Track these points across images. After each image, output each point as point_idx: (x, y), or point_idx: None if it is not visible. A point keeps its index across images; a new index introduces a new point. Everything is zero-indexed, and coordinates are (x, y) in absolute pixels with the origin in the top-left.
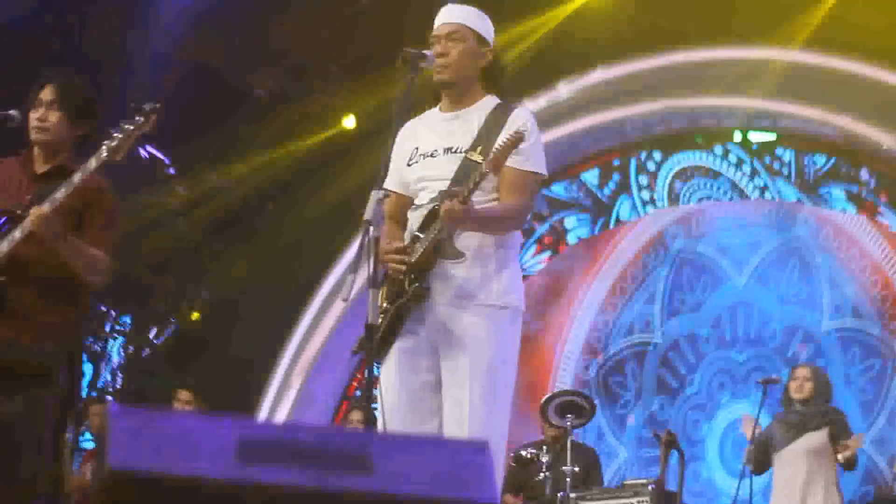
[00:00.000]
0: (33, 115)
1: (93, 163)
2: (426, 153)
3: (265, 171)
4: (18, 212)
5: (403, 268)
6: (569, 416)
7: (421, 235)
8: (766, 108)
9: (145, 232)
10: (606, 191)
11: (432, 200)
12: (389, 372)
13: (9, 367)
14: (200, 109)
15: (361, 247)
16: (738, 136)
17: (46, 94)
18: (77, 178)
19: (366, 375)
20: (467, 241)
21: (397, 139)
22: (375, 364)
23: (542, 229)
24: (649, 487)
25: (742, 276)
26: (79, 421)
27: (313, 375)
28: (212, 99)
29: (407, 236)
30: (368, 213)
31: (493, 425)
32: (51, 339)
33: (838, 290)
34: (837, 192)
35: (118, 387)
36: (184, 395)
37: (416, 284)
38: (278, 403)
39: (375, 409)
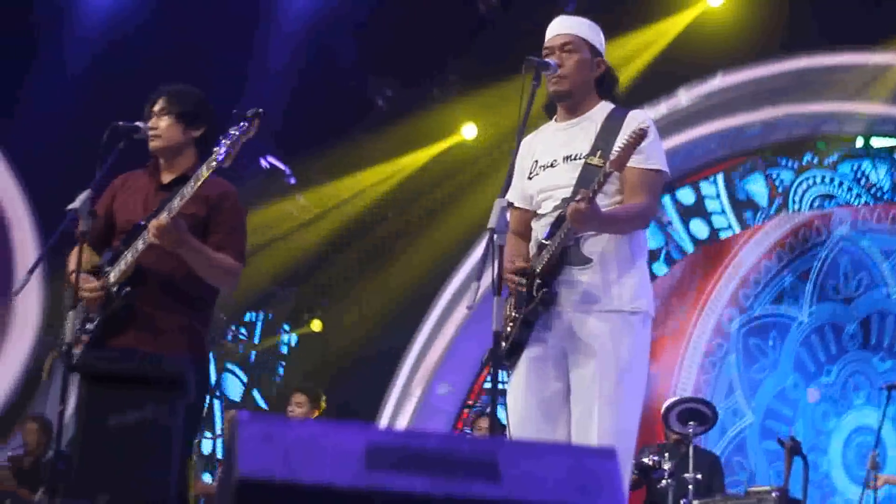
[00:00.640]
0: (147, 123)
1: (204, 170)
2: (546, 164)
3: (386, 180)
4: (143, 222)
5: (523, 290)
6: (691, 423)
7: (547, 243)
8: (889, 112)
9: (267, 242)
10: (729, 196)
11: (556, 208)
12: (518, 379)
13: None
14: (321, 120)
15: (486, 255)
16: (860, 142)
17: (157, 105)
18: (190, 187)
19: (489, 383)
20: (594, 246)
21: (518, 153)
22: (502, 372)
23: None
24: (773, 494)
25: None
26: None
27: (434, 383)
28: (333, 109)
29: (533, 246)
30: (493, 221)
31: (622, 433)
32: (179, 346)
33: None
34: None
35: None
36: (298, 397)
37: (543, 291)
38: (399, 412)
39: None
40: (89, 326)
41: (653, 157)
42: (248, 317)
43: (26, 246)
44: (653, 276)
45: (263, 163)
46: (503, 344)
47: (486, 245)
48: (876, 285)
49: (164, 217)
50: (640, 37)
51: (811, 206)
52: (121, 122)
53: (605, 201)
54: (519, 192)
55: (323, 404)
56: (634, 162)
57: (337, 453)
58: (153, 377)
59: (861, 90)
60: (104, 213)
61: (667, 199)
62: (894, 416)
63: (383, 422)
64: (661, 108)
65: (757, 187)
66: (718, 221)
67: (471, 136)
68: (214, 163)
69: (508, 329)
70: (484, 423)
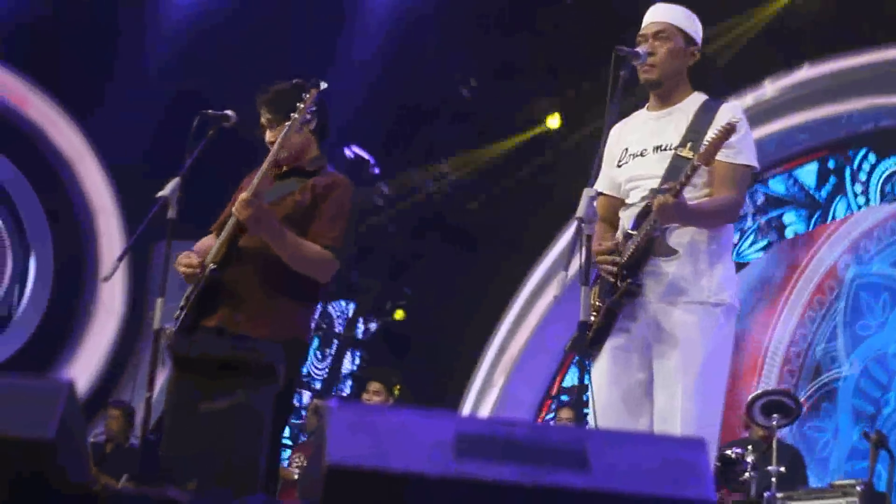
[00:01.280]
0: (267, 138)
1: (276, 147)
2: (635, 153)
3: (470, 170)
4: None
5: (615, 269)
6: (775, 415)
7: (633, 233)
8: None
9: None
10: (821, 189)
11: (644, 199)
12: (601, 370)
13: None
14: (405, 109)
15: (574, 244)
16: None
17: (264, 118)
18: (266, 164)
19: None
20: (680, 237)
21: (607, 141)
22: (587, 362)
23: (759, 222)
24: (858, 488)
25: None
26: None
27: (516, 374)
28: (416, 99)
29: (619, 235)
30: (581, 211)
31: (705, 424)
32: (267, 330)
33: None
34: None
35: (318, 386)
36: (374, 385)
37: (629, 281)
38: (480, 402)
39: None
40: (183, 304)
41: (742, 151)
42: (332, 306)
43: (112, 233)
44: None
45: (348, 152)
46: (588, 333)
47: (574, 234)
48: None
49: (245, 194)
50: (727, 26)
51: None
52: (210, 111)
53: (694, 194)
54: (607, 180)
55: (397, 392)
56: (723, 156)
57: (426, 441)
58: (244, 364)
59: None
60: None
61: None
62: None
63: (465, 412)
64: (748, 99)
65: (848, 180)
66: (811, 213)
67: (555, 126)
68: (281, 138)
69: (592, 318)
70: (566, 413)
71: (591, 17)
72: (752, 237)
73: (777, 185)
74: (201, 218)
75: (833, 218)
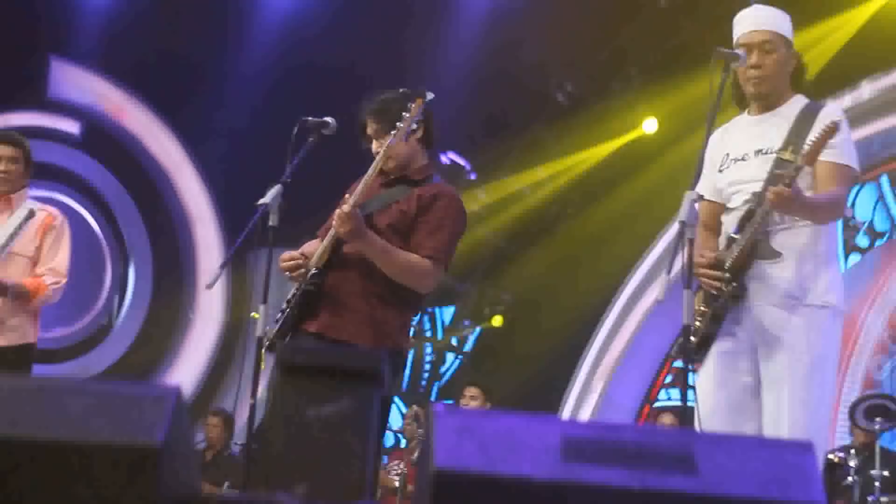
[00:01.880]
0: (373, 148)
1: (379, 157)
2: (737, 157)
3: (565, 175)
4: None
5: (718, 284)
6: (877, 419)
7: (737, 237)
8: None
9: None
10: None
11: (746, 202)
12: (707, 374)
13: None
14: (501, 115)
15: (676, 247)
16: None
17: (370, 128)
18: (370, 174)
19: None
20: (784, 240)
21: (708, 146)
22: (691, 367)
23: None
24: None
25: None
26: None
27: (615, 379)
28: (512, 104)
29: (722, 239)
30: (683, 215)
31: (813, 428)
32: (367, 336)
33: None
34: None
35: (421, 390)
36: (471, 390)
37: (733, 285)
38: (579, 408)
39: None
40: (284, 307)
41: (844, 152)
42: (430, 312)
43: (209, 242)
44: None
45: (444, 159)
46: (692, 338)
47: (676, 237)
48: None
49: (346, 207)
50: (824, 27)
51: None
52: (310, 118)
53: None
54: (709, 185)
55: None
56: (825, 156)
57: (533, 446)
58: (350, 370)
59: None
60: None
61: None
62: None
63: (564, 417)
64: (845, 101)
65: None
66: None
67: (651, 130)
68: (386, 147)
69: (697, 323)
70: (667, 419)
71: (686, 18)
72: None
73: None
74: (301, 225)
75: None
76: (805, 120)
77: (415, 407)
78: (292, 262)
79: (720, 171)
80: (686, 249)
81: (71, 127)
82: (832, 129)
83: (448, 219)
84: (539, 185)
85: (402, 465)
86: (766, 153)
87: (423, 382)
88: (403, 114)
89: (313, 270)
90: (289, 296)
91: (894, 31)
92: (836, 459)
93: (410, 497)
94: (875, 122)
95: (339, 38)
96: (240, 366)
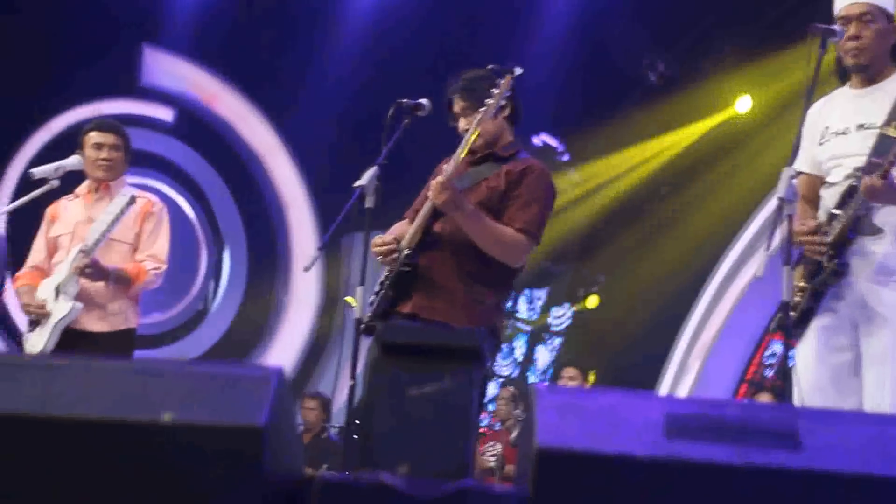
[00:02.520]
0: (461, 126)
1: (470, 133)
2: (838, 131)
3: (659, 155)
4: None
5: (822, 248)
6: None
7: (837, 212)
8: None
9: None
10: None
11: (847, 177)
12: (808, 350)
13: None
14: (594, 96)
15: (774, 224)
16: None
17: (457, 106)
18: (461, 150)
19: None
20: (887, 216)
21: (807, 120)
22: (791, 343)
23: None
24: None
25: None
26: None
27: (711, 358)
28: (604, 86)
29: (822, 214)
30: (781, 191)
31: None
32: (467, 319)
33: None
34: None
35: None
36: (569, 371)
37: (834, 261)
38: (676, 386)
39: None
40: (378, 290)
41: None
42: (525, 293)
43: (304, 226)
44: None
45: (536, 140)
46: (792, 314)
47: (774, 214)
48: None
49: (441, 178)
50: None
51: None
52: (404, 100)
53: None
54: (808, 159)
55: (592, 378)
56: None
57: (636, 423)
58: (452, 348)
59: None
60: None
61: None
62: None
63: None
64: None
65: None
66: None
67: (745, 109)
68: (476, 125)
69: (797, 299)
70: (765, 397)
71: None
72: None
73: None
74: (394, 207)
75: None
76: None
77: (510, 388)
78: (385, 247)
79: (820, 144)
80: (785, 226)
81: (164, 114)
82: None
83: (539, 193)
84: (632, 165)
85: (497, 446)
86: (867, 128)
87: (519, 364)
88: (492, 90)
89: (406, 252)
90: (381, 278)
91: None
92: None
93: (507, 477)
94: None
95: (433, 19)
96: (336, 349)
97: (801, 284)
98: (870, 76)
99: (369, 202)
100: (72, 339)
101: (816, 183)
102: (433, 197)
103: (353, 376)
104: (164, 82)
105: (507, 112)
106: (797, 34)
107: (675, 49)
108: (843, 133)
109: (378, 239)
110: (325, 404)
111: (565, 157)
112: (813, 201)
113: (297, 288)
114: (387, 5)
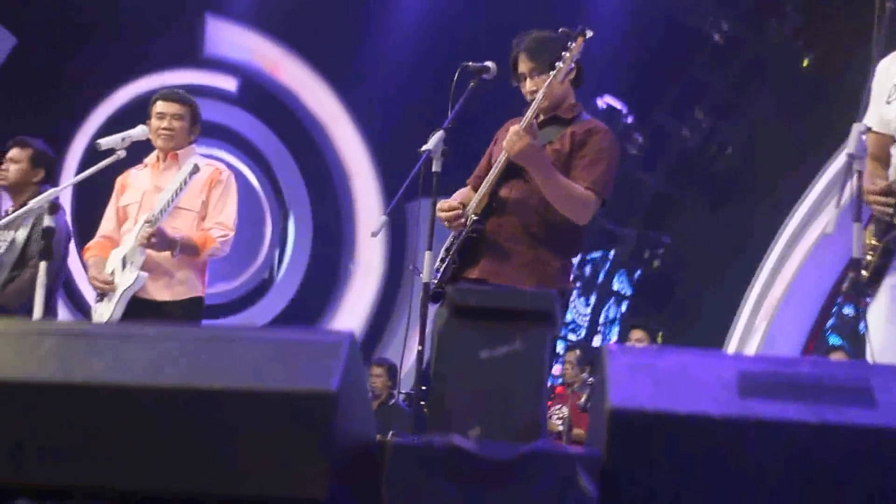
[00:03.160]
0: (524, 89)
1: (540, 95)
2: None
3: (723, 116)
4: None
5: (890, 210)
6: None
7: None
8: None
9: None
10: None
11: None
12: (879, 309)
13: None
14: (657, 57)
15: (844, 180)
16: None
17: (524, 66)
18: (531, 111)
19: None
20: None
21: (875, 77)
22: (864, 301)
23: None
24: None
25: None
26: None
27: (778, 317)
28: (669, 46)
29: (892, 172)
30: (851, 147)
31: None
32: (536, 283)
33: None
34: None
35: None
36: (636, 333)
37: None
38: (743, 347)
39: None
40: (444, 256)
41: None
42: (591, 255)
43: (369, 193)
44: None
45: (600, 102)
46: (864, 272)
47: (844, 170)
48: None
49: (517, 126)
50: None
51: None
52: (470, 63)
53: None
54: (876, 116)
55: (660, 340)
56: None
57: (708, 382)
58: (524, 310)
59: None
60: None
61: None
62: None
63: None
64: None
65: None
66: None
67: (809, 66)
68: (546, 88)
69: (868, 257)
70: (838, 355)
71: None
72: None
73: None
74: (459, 172)
75: None
76: None
77: (577, 350)
78: (452, 212)
79: (888, 102)
80: (854, 182)
81: (228, 84)
82: None
83: (605, 152)
84: (697, 125)
85: (564, 409)
86: None
87: (586, 326)
88: (563, 53)
89: (473, 217)
90: (447, 244)
91: None
92: None
93: (574, 440)
94: None
95: None
96: (402, 315)
97: (873, 242)
98: None
99: (436, 166)
100: (139, 308)
101: (886, 141)
102: (507, 147)
103: (420, 342)
104: (228, 52)
105: (572, 75)
106: None
107: (740, 8)
108: None
109: (444, 203)
110: (392, 371)
111: (629, 119)
112: (882, 159)
113: (362, 255)
114: None
